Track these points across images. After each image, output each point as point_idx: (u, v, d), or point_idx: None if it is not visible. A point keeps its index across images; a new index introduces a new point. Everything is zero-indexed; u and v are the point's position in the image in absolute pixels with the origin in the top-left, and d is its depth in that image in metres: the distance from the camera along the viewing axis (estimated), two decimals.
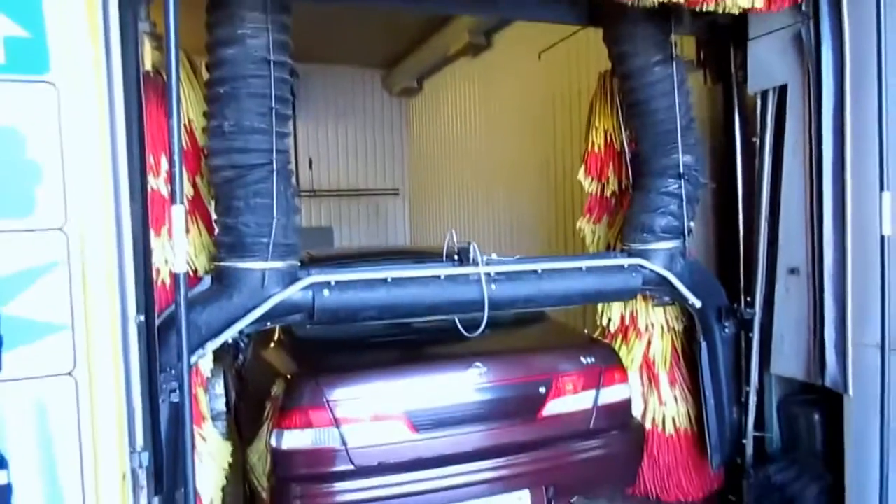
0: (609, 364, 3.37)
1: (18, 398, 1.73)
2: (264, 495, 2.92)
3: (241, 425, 3.67)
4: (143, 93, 2.22)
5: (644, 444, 3.53)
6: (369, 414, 2.91)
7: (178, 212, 2.03)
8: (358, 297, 2.91)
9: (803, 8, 3.11)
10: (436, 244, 3.40)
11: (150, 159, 2.42)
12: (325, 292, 2.84)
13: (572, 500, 3.34)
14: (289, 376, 3.01)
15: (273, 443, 2.82)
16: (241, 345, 3.96)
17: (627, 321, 3.98)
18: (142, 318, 1.98)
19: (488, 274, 3.10)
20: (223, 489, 3.02)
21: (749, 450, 3.63)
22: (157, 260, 2.47)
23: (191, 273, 2.80)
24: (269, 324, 2.93)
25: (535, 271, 3.22)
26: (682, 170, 3.46)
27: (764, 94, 3.43)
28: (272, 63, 2.69)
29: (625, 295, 3.55)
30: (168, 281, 2.62)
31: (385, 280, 2.96)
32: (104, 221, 1.81)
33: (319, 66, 10.14)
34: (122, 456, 1.84)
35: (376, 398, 2.95)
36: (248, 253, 2.72)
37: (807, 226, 3.21)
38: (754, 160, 3.55)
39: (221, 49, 2.68)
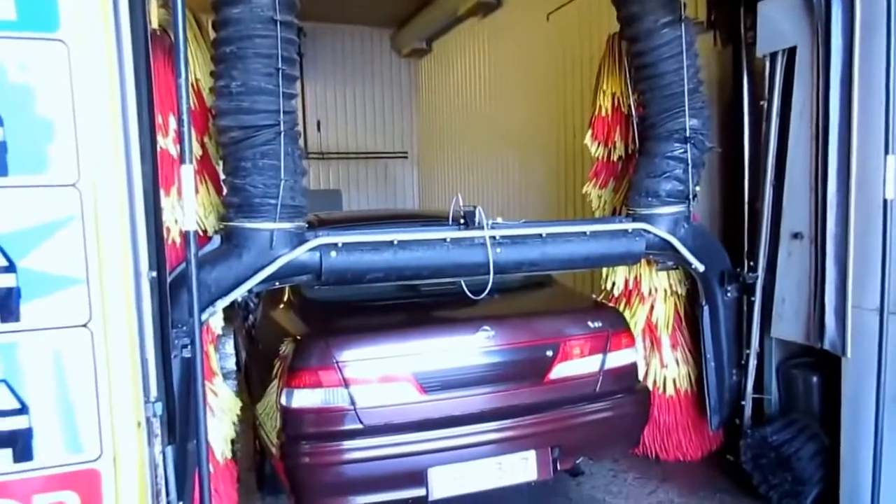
0: (616, 328, 3.39)
1: (37, 348, 1.79)
2: (274, 452, 2.97)
3: (252, 384, 3.74)
4: (151, 51, 2.23)
5: (649, 407, 3.57)
6: (378, 375, 2.95)
7: (188, 171, 2.07)
8: (364, 259, 2.95)
9: None
10: (444, 208, 3.41)
11: (159, 119, 2.44)
12: (333, 254, 2.89)
13: (577, 461, 3.39)
14: (299, 337, 3.04)
15: (283, 401, 2.87)
16: (251, 305, 4.03)
17: (631, 285, 4.04)
18: (154, 273, 2.03)
19: (493, 237, 3.14)
20: (234, 446, 3.10)
21: (748, 411, 3.70)
22: (166, 219, 2.49)
23: (200, 233, 2.84)
24: (277, 283, 2.97)
25: (539, 235, 3.25)
26: (688, 134, 3.46)
27: (773, 57, 3.40)
28: (278, 23, 2.68)
29: (629, 259, 3.58)
30: (178, 240, 2.66)
31: (391, 242, 3.00)
32: (116, 179, 1.85)
33: (327, 25, 10.07)
34: (136, 405, 1.91)
35: (385, 359, 2.98)
36: (257, 213, 2.76)
37: (811, 190, 3.21)
38: (761, 124, 3.54)
39: (227, 8, 2.66)
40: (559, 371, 3.22)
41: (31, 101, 1.73)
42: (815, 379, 3.43)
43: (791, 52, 3.30)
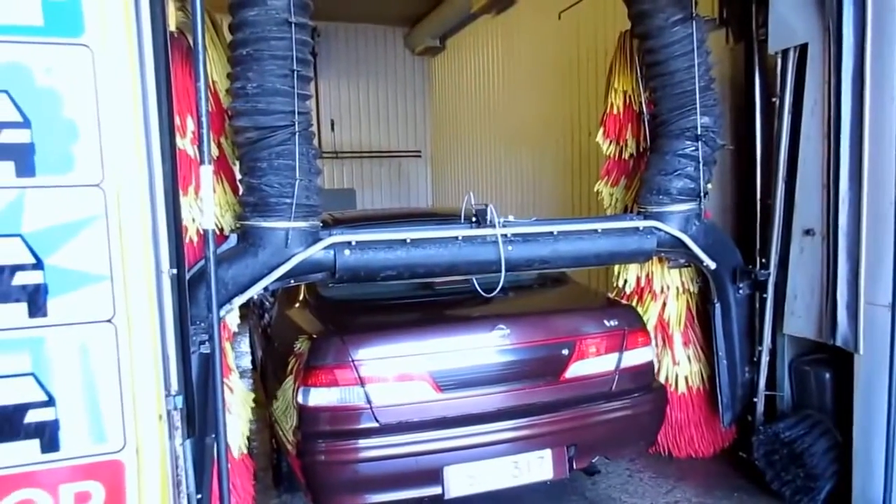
0: (632, 327, 3.38)
1: (63, 342, 1.86)
2: (291, 449, 2.99)
3: (268, 382, 3.77)
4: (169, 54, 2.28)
5: (665, 406, 3.55)
6: (394, 373, 2.96)
7: (206, 172, 2.13)
8: (378, 257, 2.99)
9: None
10: (457, 206, 3.43)
11: (177, 120, 2.50)
12: (346, 252, 2.93)
13: (593, 460, 3.37)
14: (315, 335, 3.06)
15: (300, 400, 2.89)
16: (267, 304, 4.08)
17: (643, 283, 4.04)
18: (174, 271, 2.08)
19: (505, 235, 3.17)
20: (250, 444, 3.15)
21: (760, 408, 3.70)
22: (184, 218, 2.52)
23: (217, 231, 2.90)
24: (292, 281, 3.02)
25: (550, 233, 3.28)
26: (699, 131, 3.48)
27: (784, 54, 3.39)
28: (293, 25, 2.72)
29: (640, 257, 3.59)
30: (195, 239, 2.73)
31: (404, 241, 3.04)
32: (138, 179, 1.91)
33: (341, 24, 10.13)
34: (158, 398, 1.97)
35: (401, 358, 2.99)
36: (272, 212, 2.81)
37: (823, 186, 3.21)
38: (773, 121, 3.54)
39: (243, 11, 2.72)
40: (575, 370, 3.22)
41: (58, 104, 1.80)
42: (827, 375, 3.43)
43: (803, 49, 3.30)
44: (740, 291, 3.70)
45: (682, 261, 3.81)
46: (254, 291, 2.84)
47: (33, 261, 1.81)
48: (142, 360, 1.93)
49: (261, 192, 2.80)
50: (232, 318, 2.97)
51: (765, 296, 3.61)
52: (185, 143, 2.67)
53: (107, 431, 1.91)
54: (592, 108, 6.17)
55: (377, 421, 2.91)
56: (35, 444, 1.86)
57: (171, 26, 2.57)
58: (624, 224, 3.49)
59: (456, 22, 9.08)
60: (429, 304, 3.55)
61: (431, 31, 9.77)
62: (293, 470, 3.09)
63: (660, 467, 3.93)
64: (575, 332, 3.26)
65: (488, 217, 3.19)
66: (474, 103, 9.28)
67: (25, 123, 1.77)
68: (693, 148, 3.50)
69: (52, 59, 1.79)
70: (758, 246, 3.72)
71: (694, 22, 3.44)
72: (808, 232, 3.31)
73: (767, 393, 3.69)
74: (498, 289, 3.16)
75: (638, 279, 4.05)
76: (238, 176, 3.00)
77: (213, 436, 2.38)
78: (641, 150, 3.96)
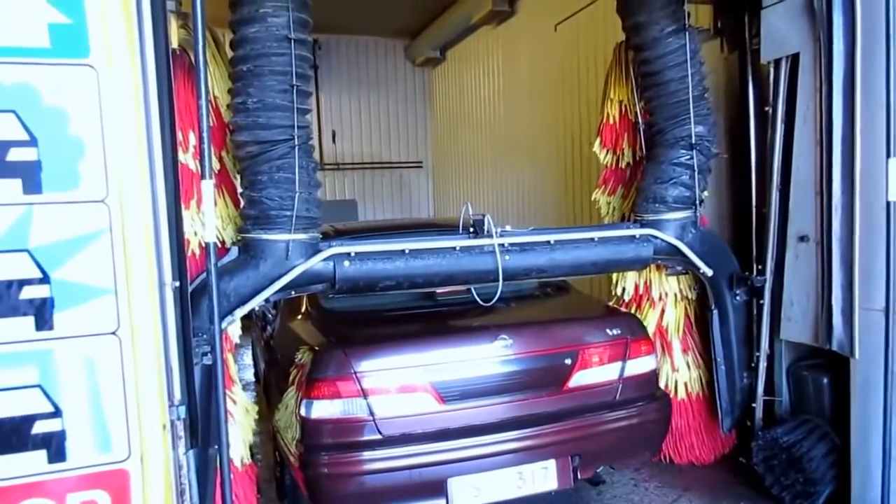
0: (635, 336, 3.38)
1: (69, 354, 1.90)
2: (294, 462, 3.00)
3: (271, 395, 3.79)
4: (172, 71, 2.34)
5: (670, 415, 3.55)
6: (396, 385, 2.97)
7: (208, 186, 2.18)
8: (377, 268, 3.03)
9: None
10: (458, 217, 3.44)
11: (179, 135, 2.55)
12: (346, 263, 2.97)
13: (598, 470, 3.38)
14: (317, 348, 3.06)
15: (302, 412, 2.89)
16: (270, 316, 4.10)
17: (641, 290, 4.07)
18: (177, 283, 2.12)
19: (502, 245, 3.20)
20: (254, 456, 3.17)
21: (759, 413, 3.73)
22: (186, 232, 2.57)
23: (218, 244, 2.94)
24: (293, 292, 3.06)
25: (547, 242, 3.31)
26: (694, 140, 3.52)
27: (777, 63, 3.45)
28: (293, 41, 2.79)
29: (637, 264, 3.63)
30: (197, 252, 2.77)
31: (403, 251, 3.08)
32: (141, 194, 1.96)
33: (342, 37, 10.21)
34: (162, 408, 2.01)
35: (403, 369, 2.99)
36: (273, 225, 2.86)
37: (816, 193, 3.26)
38: (767, 129, 3.59)
39: (244, 27, 2.79)
40: (578, 379, 3.22)
41: (64, 123, 1.85)
42: (824, 380, 3.46)
43: (795, 59, 3.35)
44: (737, 298, 3.73)
45: (679, 268, 3.85)
46: (255, 303, 2.88)
47: (40, 275, 1.85)
48: (146, 371, 1.97)
49: (262, 204, 2.85)
50: (234, 329, 3.01)
51: (762, 302, 3.65)
52: (187, 158, 2.72)
53: (112, 441, 1.94)
54: (590, 118, 6.23)
55: (380, 433, 2.91)
56: (42, 454, 1.89)
57: (174, 43, 2.63)
58: (620, 232, 3.53)
59: (456, 33, 9.14)
60: (431, 315, 3.55)
61: (432, 43, 9.85)
62: (297, 482, 3.10)
63: (665, 477, 3.92)
64: (577, 342, 3.27)
65: (486, 227, 3.23)
66: (475, 114, 9.35)
67: (32, 142, 1.83)
68: (688, 157, 3.55)
69: (59, 80, 1.84)
70: (754, 253, 3.77)
71: (687, 33, 3.49)
72: (802, 238, 3.35)
73: (766, 398, 3.72)
74: (496, 298, 3.19)
75: (636, 287, 4.08)
76: (239, 189, 3.05)
77: (216, 447, 2.41)
78: (638, 159, 4.01)
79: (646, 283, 4.05)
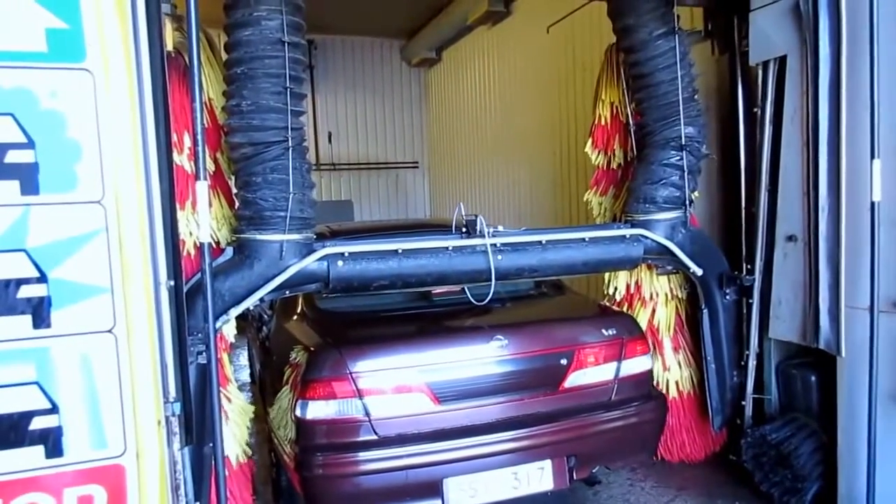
0: (631, 336, 3.40)
1: (66, 352, 1.94)
2: (289, 463, 3.00)
3: (266, 396, 3.78)
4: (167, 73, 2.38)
5: (665, 415, 3.55)
6: (392, 385, 2.97)
7: (202, 187, 2.22)
8: (370, 268, 3.06)
9: None
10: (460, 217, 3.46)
11: (174, 137, 2.59)
12: (339, 263, 3.01)
13: (594, 470, 3.39)
14: (312, 348, 3.07)
15: (297, 413, 2.89)
16: (266, 317, 4.11)
17: (633, 290, 4.11)
18: (171, 283, 2.17)
19: (494, 245, 3.24)
20: (249, 457, 3.19)
21: (748, 411, 3.77)
22: (181, 232, 2.61)
23: (213, 244, 2.97)
24: (287, 292, 3.09)
25: (539, 242, 3.35)
26: (683, 141, 3.57)
27: (765, 65, 3.49)
28: (286, 44, 2.83)
29: (627, 264, 3.67)
30: (192, 252, 2.81)
31: (396, 251, 3.11)
32: (136, 195, 2.00)
33: (338, 37, 10.22)
34: (157, 404, 2.05)
35: (399, 370, 2.99)
36: (267, 225, 2.89)
37: (804, 193, 3.30)
38: (756, 130, 3.63)
39: (238, 31, 2.82)
40: (574, 379, 3.24)
41: (61, 126, 1.90)
42: (812, 378, 3.50)
43: (782, 61, 3.39)
44: (727, 297, 3.77)
45: (669, 268, 3.89)
46: (250, 302, 2.91)
47: (37, 274, 1.90)
48: (141, 369, 2.01)
49: (256, 205, 2.88)
50: (229, 329, 3.03)
51: (751, 301, 3.69)
52: (182, 159, 2.75)
53: (108, 437, 1.98)
54: (584, 118, 6.27)
55: (376, 433, 2.92)
56: (40, 450, 1.93)
57: (169, 46, 2.66)
58: (611, 233, 3.57)
59: (452, 34, 9.17)
60: (426, 315, 3.56)
61: (428, 44, 9.87)
62: (292, 483, 3.10)
63: (661, 477, 3.93)
64: (573, 342, 3.28)
65: (478, 227, 3.27)
66: (470, 114, 9.39)
67: (30, 144, 1.87)
68: (678, 157, 3.60)
69: (56, 84, 1.88)
70: (744, 252, 3.81)
71: (677, 36, 3.54)
72: (790, 238, 3.39)
73: (755, 396, 3.76)
74: (488, 297, 3.23)
75: (628, 286, 4.12)
76: (234, 190, 3.08)
77: (211, 444, 2.44)
78: (629, 159, 4.05)
79: (637, 282, 4.09)
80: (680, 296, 4.08)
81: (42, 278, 1.90)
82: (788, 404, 3.65)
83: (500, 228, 3.37)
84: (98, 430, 1.97)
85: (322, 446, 2.88)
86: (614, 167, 4.14)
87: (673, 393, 4.02)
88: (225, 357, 3.12)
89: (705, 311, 3.82)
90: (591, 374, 3.28)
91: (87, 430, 1.96)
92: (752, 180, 3.73)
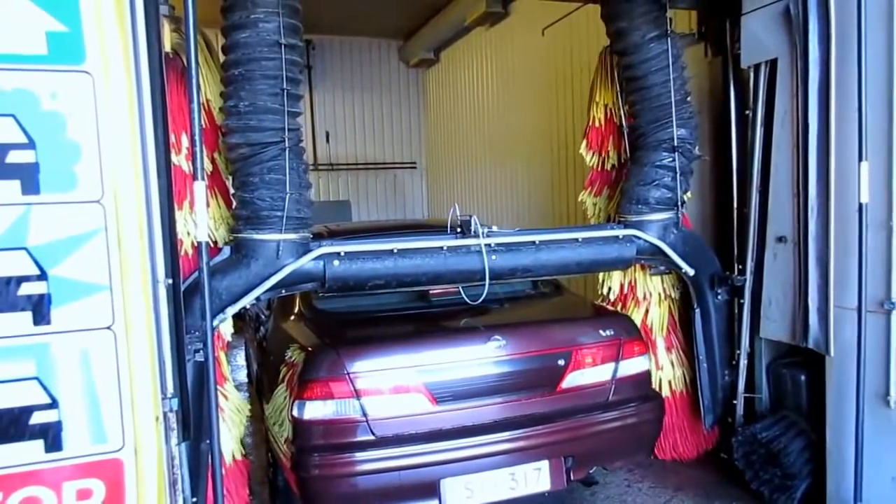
0: (628, 336, 3.40)
1: (66, 348, 1.98)
2: (286, 463, 2.99)
3: (264, 396, 3.77)
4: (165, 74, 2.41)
5: (663, 415, 3.56)
6: (389, 386, 2.96)
7: (200, 187, 2.26)
8: (366, 267, 3.08)
9: None
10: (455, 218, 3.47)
11: (172, 137, 2.62)
12: (335, 262, 3.03)
13: (591, 471, 3.39)
14: (310, 348, 3.06)
15: (295, 413, 2.89)
16: (263, 317, 4.11)
17: (626, 289, 4.16)
18: (169, 281, 2.21)
19: (488, 245, 3.26)
20: (246, 454, 3.21)
21: (740, 410, 3.82)
22: (179, 231, 2.62)
23: (211, 244, 2.99)
24: (283, 291, 3.11)
25: (532, 242, 3.38)
26: (676, 143, 3.61)
27: (756, 68, 3.54)
28: (283, 46, 2.86)
29: (620, 264, 3.70)
30: (190, 251, 2.84)
31: (391, 251, 3.13)
32: (135, 195, 2.04)
33: (336, 37, 10.25)
34: (155, 400, 2.09)
35: (396, 370, 2.99)
36: (264, 225, 2.92)
37: (794, 195, 3.35)
38: (748, 132, 3.68)
39: (236, 33, 2.86)
40: (571, 380, 3.24)
41: (61, 127, 1.94)
42: (802, 377, 3.54)
43: (773, 64, 3.44)
44: (719, 297, 3.82)
45: (662, 268, 3.94)
46: (246, 301, 2.94)
47: (38, 272, 1.93)
48: (139, 365, 2.05)
49: (253, 205, 2.91)
50: (226, 327, 3.06)
51: (742, 301, 3.74)
52: (179, 160, 2.78)
53: (107, 432, 2.02)
54: (580, 120, 6.31)
55: (373, 434, 2.92)
56: (40, 444, 1.97)
57: (167, 47, 2.69)
58: (604, 233, 3.61)
59: (450, 35, 9.20)
60: (424, 315, 3.55)
61: (426, 44, 9.91)
62: (289, 484, 3.11)
63: (658, 477, 3.94)
64: (571, 343, 3.29)
65: (472, 227, 3.30)
66: (468, 115, 9.42)
67: (31, 144, 1.91)
68: (670, 159, 3.64)
69: (56, 85, 1.92)
70: (735, 253, 3.85)
71: (669, 39, 3.58)
72: (780, 239, 3.44)
73: (746, 395, 3.81)
74: (482, 297, 3.26)
75: (621, 286, 4.16)
76: (231, 190, 3.12)
77: (208, 441, 2.47)
78: (623, 161, 4.09)
79: (631, 282, 4.13)
80: (673, 296, 4.13)
81: (42, 276, 1.94)
82: (779, 403, 3.70)
83: (495, 229, 3.41)
84: (97, 425, 2.01)
85: (319, 446, 2.88)
86: (608, 168, 4.18)
87: (665, 392, 4.06)
88: (222, 355, 3.15)
89: (697, 310, 3.87)
90: (589, 374, 3.29)
91: (86, 424, 2.00)
92: (743, 181, 3.78)
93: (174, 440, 2.20)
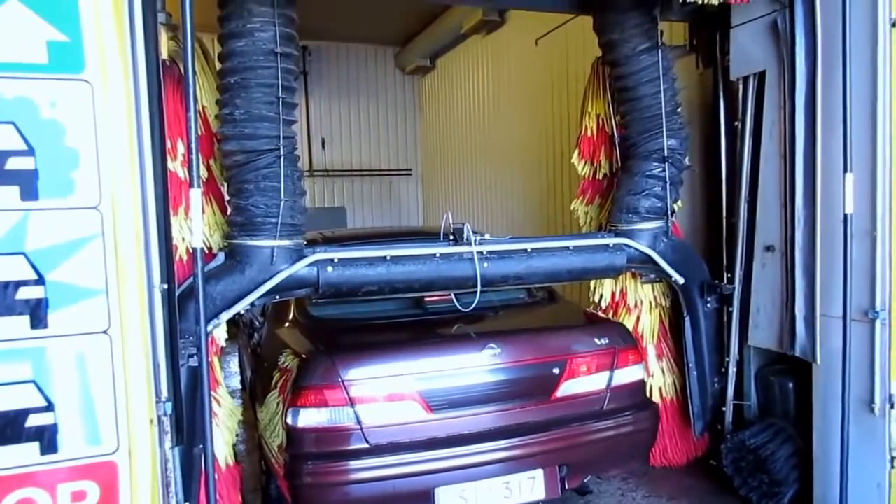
0: (623, 345, 3.41)
1: (62, 352, 2.01)
2: (280, 471, 3.00)
3: (258, 402, 3.76)
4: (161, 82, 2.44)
5: (658, 424, 3.57)
6: (384, 393, 2.97)
7: (196, 195, 2.29)
8: (359, 273, 3.11)
9: None
10: (446, 225, 3.50)
11: (167, 144, 2.65)
12: (329, 268, 3.06)
13: (585, 480, 3.41)
14: (304, 355, 3.06)
15: (289, 421, 2.88)
16: (257, 324, 4.12)
17: (618, 298, 4.20)
18: (164, 286, 2.24)
19: (480, 252, 3.30)
20: (239, 462, 3.23)
21: (729, 417, 3.87)
22: (174, 237, 2.64)
23: (206, 250, 3.02)
24: (277, 297, 3.13)
25: (524, 250, 3.41)
26: (666, 153, 3.66)
27: (745, 80, 3.61)
28: (279, 55, 2.90)
29: (610, 272, 3.73)
30: (185, 257, 2.86)
31: (384, 258, 3.16)
32: (132, 201, 2.07)
33: (332, 44, 10.27)
34: (149, 404, 2.12)
35: (391, 378, 2.99)
36: (259, 231, 2.95)
37: (781, 205, 3.40)
38: (737, 143, 3.74)
39: (232, 41, 2.90)
40: (566, 388, 3.25)
41: (60, 134, 1.97)
42: (789, 384, 3.59)
43: (761, 76, 3.51)
44: (708, 305, 3.87)
45: (652, 276, 3.98)
46: (241, 307, 2.96)
47: (35, 277, 1.96)
48: (134, 369, 2.08)
49: (248, 212, 2.95)
50: (220, 333, 3.07)
51: (731, 309, 3.79)
52: (175, 166, 2.80)
53: (102, 434, 2.05)
54: (574, 128, 6.35)
55: (367, 442, 2.92)
56: (35, 446, 1.99)
57: (164, 54, 2.73)
58: (595, 241, 3.65)
59: (446, 42, 9.25)
60: (419, 323, 3.56)
61: (422, 51, 9.95)
62: (282, 491, 3.11)
63: (653, 486, 3.94)
64: (566, 351, 3.30)
65: (465, 235, 3.33)
66: (463, 122, 9.46)
67: (30, 151, 1.94)
68: (660, 169, 3.69)
69: (56, 94, 1.96)
70: (724, 262, 3.90)
71: (660, 51, 3.63)
72: (768, 248, 3.49)
73: (735, 402, 3.85)
74: (474, 304, 3.28)
75: (613, 294, 4.20)
76: (226, 197, 3.15)
77: (201, 446, 2.49)
78: (614, 170, 4.14)
79: (622, 290, 4.17)
80: (664, 304, 4.17)
81: (40, 280, 1.96)
82: (767, 410, 3.75)
83: (487, 236, 3.44)
84: (92, 428, 2.04)
85: (313, 454, 2.87)
86: (600, 177, 4.23)
87: (656, 399, 4.09)
88: (216, 361, 3.17)
89: (687, 318, 3.92)
90: (584, 383, 3.30)
91: (81, 427, 2.02)
92: (732, 191, 3.84)
93: (168, 443, 2.22)
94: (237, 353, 5.92)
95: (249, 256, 2.96)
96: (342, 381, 2.90)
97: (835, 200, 3.10)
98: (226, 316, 2.94)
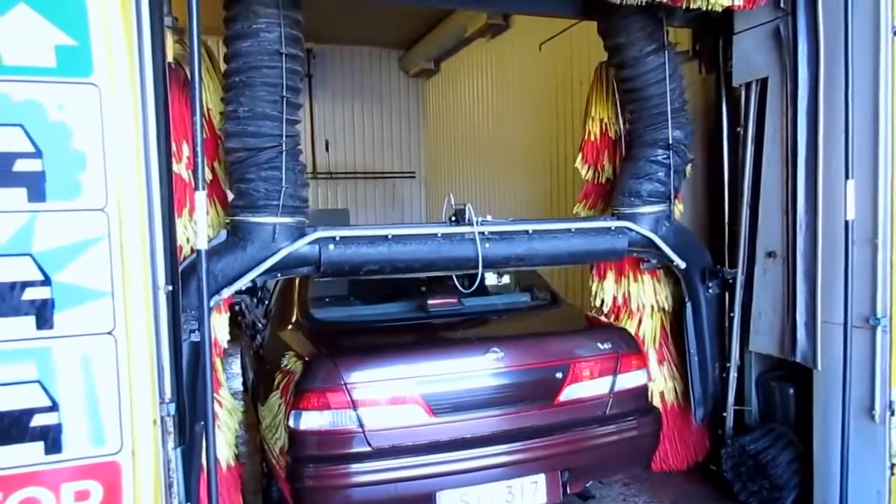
0: (627, 350, 3.40)
1: (67, 352, 2.02)
2: (281, 473, 2.99)
3: (259, 404, 3.76)
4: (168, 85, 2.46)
5: (660, 429, 3.56)
6: (386, 396, 2.96)
7: (200, 197, 2.32)
8: (361, 252, 3.06)
9: (782, 4, 3.31)
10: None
11: (173, 146, 2.67)
12: (331, 246, 3.02)
13: (587, 484, 3.42)
14: (307, 358, 3.06)
15: (291, 423, 2.88)
16: (260, 325, 4.12)
17: (620, 302, 4.19)
18: (169, 287, 2.25)
19: (482, 233, 3.26)
20: (241, 463, 3.22)
21: (729, 422, 3.86)
22: (178, 238, 2.63)
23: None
24: (279, 275, 3.11)
25: (526, 231, 3.37)
26: (670, 141, 3.64)
27: (747, 86, 3.62)
28: (284, 55, 2.91)
29: (612, 256, 3.68)
30: None
31: (386, 237, 3.12)
32: (137, 203, 2.09)
33: (337, 46, 10.27)
34: (153, 404, 2.13)
35: (393, 381, 2.98)
36: (261, 209, 2.93)
37: (783, 211, 3.41)
38: (739, 149, 3.75)
39: (238, 42, 2.91)
40: (569, 393, 3.24)
41: (67, 137, 1.99)
42: (790, 390, 3.60)
43: (764, 82, 3.52)
44: (710, 290, 3.85)
45: (653, 261, 3.95)
46: (242, 283, 2.93)
47: (42, 278, 1.98)
48: (139, 369, 2.09)
49: (249, 195, 2.93)
50: (222, 334, 3.05)
51: (732, 315, 3.79)
52: (180, 168, 2.81)
53: (106, 435, 2.06)
54: (579, 132, 6.35)
55: (369, 445, 2.91)
56: (40, 446, 2.01)
57: (169, 57, 2.74)
58: (597, 224, 3.61)
59: (451, 45, 9.23)
60: (422, 326, 3.54)
61: (426, 54, 9.94)
62: (284, 494, 3.11)
63: (654, 491, 3.93)
64: (569, 355, 3.29)
65: (467, 216, 3.30)
66: (467, 125, 9.46)
67: (38, 154, 1.96)
68: (665, 156, 3.66)
69: (63, 97, 1.98)
70: (726, 267, 3.89)
71: (666, 52, 3.62)
72: (770, 254, 3.50)
73: (736, 407, 3.85)
74: (475, 284, 3.25)
75: (615, 298, 4.20)
76: (230, 196, 3.15)
77: (202, 423, 2.47)
78: (617, 174, 4.14)
79: (624, 294, 4.16)
80: (666, 308, 4.17)
81: (46, 281, 1.98)
82: (767, 415, 3.75)
83: (489, 218, 3.40)
84: (96, 428, 2.05)
85: (315, 457, 2.87)
86: (603, 182, 4.21)
87: (657, 403, 4.10)
88: (218, 361, 3.17)
89: (688, 304, 3.89)
90: (587, 387, 3.29)
91: (85, 427, 2.04)
92: (734, 197, 3.84)
93: (171, 444, 2.24)
94: (239, 355, 5.93)
95: (251, 233, 2.93)
96: (344, 384, 2.90)
97: (836, 207, 3.11)
98: (227, 292, 2.89)
